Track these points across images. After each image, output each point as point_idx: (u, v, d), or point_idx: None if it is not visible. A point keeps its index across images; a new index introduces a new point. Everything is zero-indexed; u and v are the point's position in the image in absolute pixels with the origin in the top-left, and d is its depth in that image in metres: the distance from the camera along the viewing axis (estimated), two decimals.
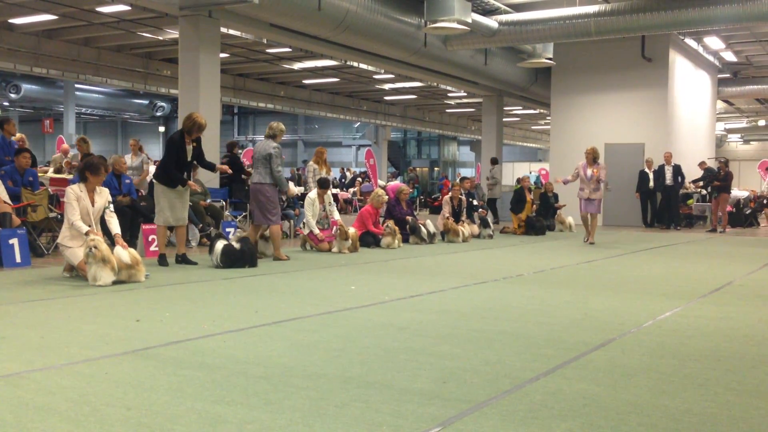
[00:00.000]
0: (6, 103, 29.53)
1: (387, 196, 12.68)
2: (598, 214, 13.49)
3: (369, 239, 11.73)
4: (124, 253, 7.04)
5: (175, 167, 8.74)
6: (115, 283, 6.90)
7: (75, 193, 7.40)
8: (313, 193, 11.22)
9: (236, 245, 8.60)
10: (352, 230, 11.07)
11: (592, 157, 13.10)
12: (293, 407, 3.22)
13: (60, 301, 6.03)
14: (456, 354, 4.32)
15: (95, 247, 6.77)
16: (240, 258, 8.55)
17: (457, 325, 5.24)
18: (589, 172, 13.01)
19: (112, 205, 7.66)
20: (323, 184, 11.30)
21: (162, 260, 8.71)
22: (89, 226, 7.29)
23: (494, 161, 20.86)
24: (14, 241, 8.26)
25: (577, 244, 13.37)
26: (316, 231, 10.92)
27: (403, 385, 3.61)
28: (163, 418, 3.04)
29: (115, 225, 7.55)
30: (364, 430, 2.95)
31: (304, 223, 11.32)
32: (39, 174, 11.19)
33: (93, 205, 7.45)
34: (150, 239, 9.68)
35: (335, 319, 5.45)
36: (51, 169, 13.94)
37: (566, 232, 16.64)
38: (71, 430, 2.88)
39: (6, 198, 9.42)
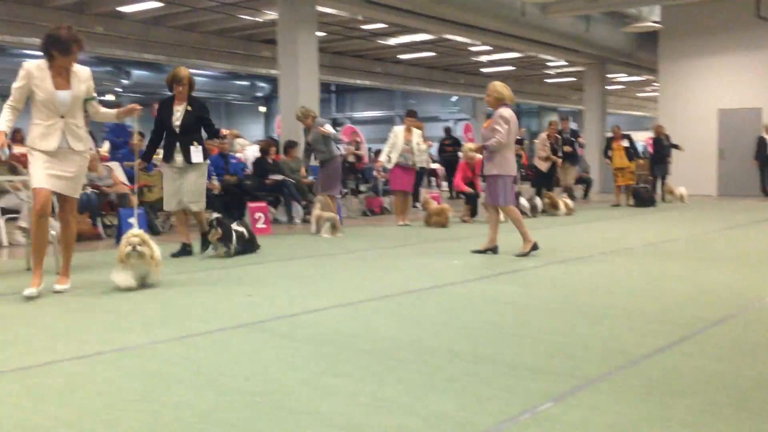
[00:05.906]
0: (119, 89, 30.92)
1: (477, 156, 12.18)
2: (507, 206, 7.52)
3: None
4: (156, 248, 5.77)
5: (156, 135, 7.48)
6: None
7: (26, 71, 5.29)
8: (399, 127, 10.95)
9: (240, 229, 7.72)
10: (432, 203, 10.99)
11: (495, 100, 7.36)
12: (402, 380, 3.24)
13: (170, 278, 6.30)
14: (564, 329, 4.22)
15: (139, 245, 5.53)
16: (249, 241, 7.78)
17: (564, 300, 5.12)
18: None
19: (97, 96, 5.70)
20: (411, 114, 11.05)
21: (182, 250, 7.54)
22: (60, 117, 5.32)
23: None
24: (133, 220, 8.69)
25: (689, 216, 12.76)
26: (384, 159, 10.83)
27: (511, 360, 3.56)
28: (276, 389, 3.13)
29: (105, 112, 5.77)
30: (475, 403, 2.93)
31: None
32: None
33: (69, 89, 5.37)
34: (256, 216, 9.97)
35: (440, 293, 5.44)
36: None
37: (676, 203, 15.92)
38: (192, 398, 3.01)
39: (124, 179, 9.95)
